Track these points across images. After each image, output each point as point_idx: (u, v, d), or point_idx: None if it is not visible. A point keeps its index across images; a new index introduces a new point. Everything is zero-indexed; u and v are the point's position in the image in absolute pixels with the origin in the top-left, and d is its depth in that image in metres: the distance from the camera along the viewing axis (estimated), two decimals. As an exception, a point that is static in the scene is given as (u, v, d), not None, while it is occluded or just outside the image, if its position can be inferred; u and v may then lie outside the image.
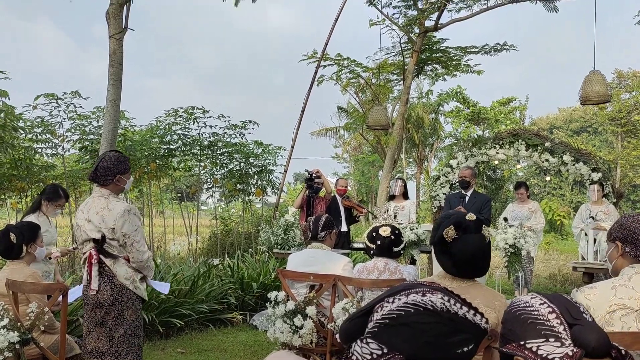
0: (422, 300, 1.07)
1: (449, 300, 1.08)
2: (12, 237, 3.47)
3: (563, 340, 1.05)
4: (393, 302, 1.09)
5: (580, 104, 6.73)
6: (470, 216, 2.28)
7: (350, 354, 1.09)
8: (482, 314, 1.11)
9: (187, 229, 10.31)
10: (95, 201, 3.30)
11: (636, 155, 26.07)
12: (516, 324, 1.10)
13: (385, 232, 3.70)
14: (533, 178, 27.62)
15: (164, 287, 4.15)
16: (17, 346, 2.89)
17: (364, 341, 1.08)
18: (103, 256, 3.24)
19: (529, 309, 1.10)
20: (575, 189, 26.23)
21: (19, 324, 2.94)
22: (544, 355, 1.05)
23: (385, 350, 1.05)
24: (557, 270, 10.94)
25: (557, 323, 1.07)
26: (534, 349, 1.06)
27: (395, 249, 3.70)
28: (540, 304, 1.10)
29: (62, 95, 7.61)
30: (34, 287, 3.00)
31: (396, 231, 3.72)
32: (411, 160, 29.43)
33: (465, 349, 1.07)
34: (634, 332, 1.99)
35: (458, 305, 1.08)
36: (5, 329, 2.85)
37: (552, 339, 1.05)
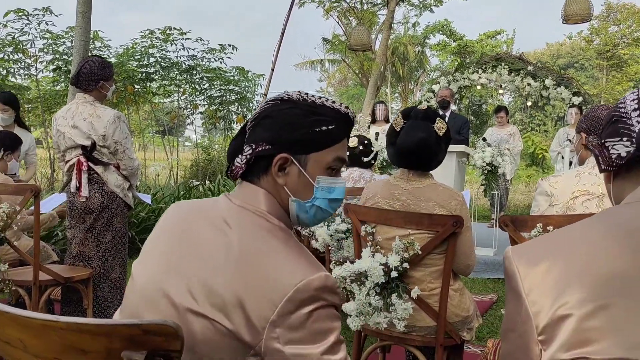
0: (280, 95, 1.16)
1: (306, 94, 1.16)
2: None
3: (633, 139, 0.95)
4: (258, 107, 1.19)
5: (562, 22, 6.63)
6: (422, 106, 2.28)
7: (234, 167, 1.16)
8: (342, 103, 1.17)
9: (169, 161, 10.24)
10: (80, 107, 3.23)
11: (620, 90, 26.10)
12: (607, 122, 1.02)
13: (352, 142, 3.74)
14: (517, 114, 27.68)
15: (147, 198, 4.24)
16: (-10, 245, 2.90)
17: (242, 152, 1.16)
18: (92, 163, 3.22)
19: (621, 105, 1.01)
20: (559, 124, 26.38)
21: (-10, 224, 2.93)
22: (611, 155, 0.98)
23: (253, 147, 1.13)
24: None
25: (637, 122, 0.96)
26: (609, 147, 0.99)
27: (365, 159, 3.73)
28: (632, 99, 1.00)
29: (33, 11, 7.32)
30: (4, 188, 2.97)
31: (365, 141, 3.73)
32: (397, 94, 29.22)
33: (324, 128, 1.13)
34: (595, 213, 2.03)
35: (315, 97, 1.15)
36: (-24, 228, 2.84)
37: (625, 138, 0.97)
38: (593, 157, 2.17)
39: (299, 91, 1.16)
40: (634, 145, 0.95)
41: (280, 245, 1.06)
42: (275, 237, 1.08)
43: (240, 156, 1.15)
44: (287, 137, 1.11)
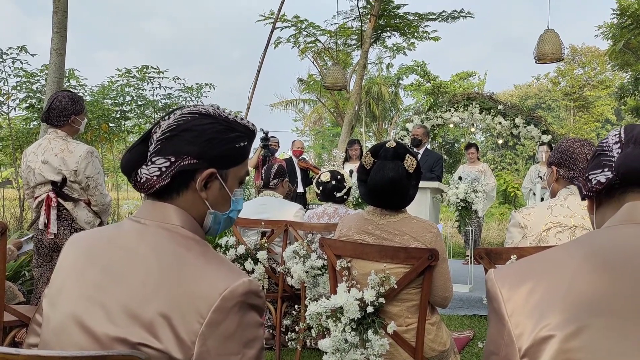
0: (195, 109, 1.16)
1: (218, 108, 1.18)
2: None
3: (614, 169, 0.99)
4: (169, 118, 1.14)
5: (535, 62, 6.86)
6: (391, 144, 2.28)
7: (139, 179, 1.12)
8: (248, 120, 1.21)
9: (142, 200, 10.10)
10: (52, 142, 3.19)
11: (587, 129, 26.90)
12: (592, 158, 1.07)
13: (325, 177, 3.73)
14: (489, 153, 28.23)
15: None
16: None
17: (149, 163, 1.11)
18: (62, 199, 3.15)
19: (604, 141, 1.05)
20: (530, 163, 26.93)
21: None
22: (592, 183, 1.02)
23: (173, 159, 1.10)
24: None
25: (617, 153, 1.01)
26: (592, 179, 1.03)
27: (338, 194, 3.72)
28: (614, 134, 1.04)
29: (7, 50, 7.28)
30: (-32, 225, 2.88)
31: (338, 176, 3.73)
32: (371, 134, 29.59)
33: (242, 144, 1.17)
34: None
35: (227, 112, 1.18)
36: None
37: (606, 169, 1.01)
38: (564, 190, 2.21)
39: (211, 105, 1.19)
40: (614, 173, 0.99)
41: (198, 257, 1.05)
42: (192, 250, 1.07)
43: (146, 167, 1.11)
44: (213, 152, 1.12)
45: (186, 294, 0.98)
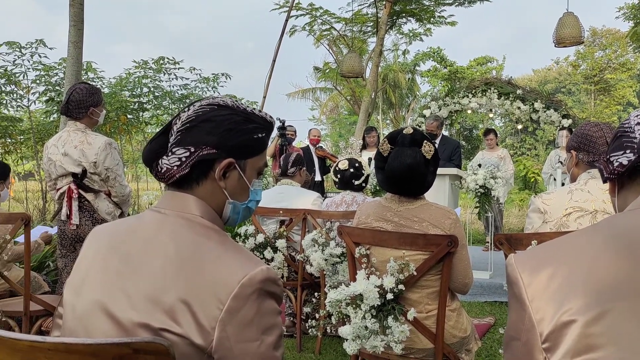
0: (214, 100, 1.18)
1: (236, 100, 1.20)
2: None
3: (635, 150, 0.97)
4: (189, 110, 1.17)
5: (555, 46, 6.74)
6: (408, 130, 2.27)
7: (160, 169, 1.14)
8: (265, 112, 1.23)
9: (162, 191, 10.19)
10: (72, 135, 3.23)
11: (609, 113, 26.45)
12: (613, 139, 1.06)
13: (343, 165, 3.72)
14: (509, 139, 27.92)
15: None
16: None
17: (169, 153, 1.14)
18: (83, 191, 3.20)
19: (625, 122, 1.04)
20: (550, 148, 26.58)
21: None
22: (614, 165, 1.01)
23: (192, 150, 1.12)
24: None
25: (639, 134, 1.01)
26: (614, 161, 1.01)
27: (356, 182, 3.71)
28: (636, 115, 1.03)
29: (26, 44, 7.37)
30: (-6, 217, 2.94)
31: (356, 164, 3.72)
32: (388, 121, 29.44)
33: (260, 135, 1.19)
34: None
35: (244, 104, 1.20)
36: (-34, 258, 2.80)
37: (628, 151, 0.99)
38: (584, 174, 2.18)
39: (229, 96, 1.19)
40: (636, 154, 0.96)
41: (217, 246, 1.08)
42: (211, 238, 1.09)
43: (167, 157, 1.13)
44: (231, 142, 1.14)
45: (205, 282, 1.00)
